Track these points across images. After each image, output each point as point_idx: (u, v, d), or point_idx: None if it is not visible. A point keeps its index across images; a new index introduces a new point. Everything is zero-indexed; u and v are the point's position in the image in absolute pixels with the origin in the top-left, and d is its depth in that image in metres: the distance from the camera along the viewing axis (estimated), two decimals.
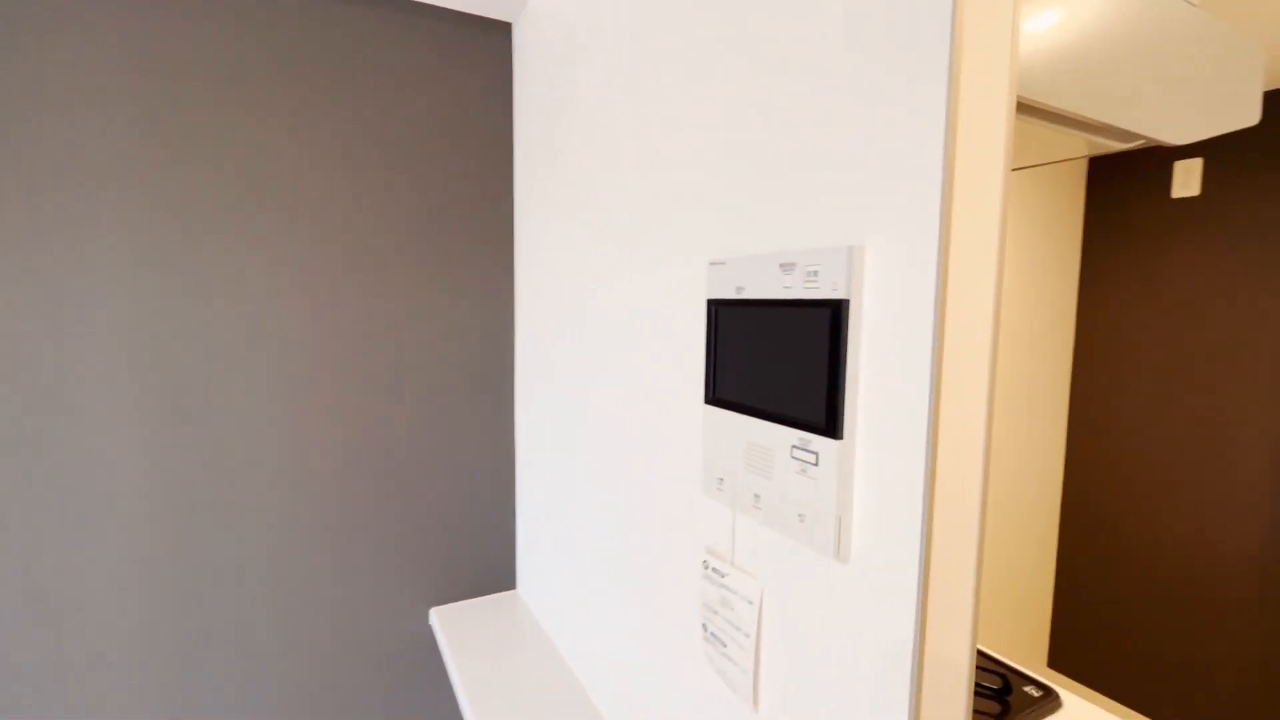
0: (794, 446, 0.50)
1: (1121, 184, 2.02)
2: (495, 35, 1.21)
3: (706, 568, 0.64)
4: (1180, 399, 1.89)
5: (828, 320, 0.46)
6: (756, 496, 0.54)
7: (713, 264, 0.59)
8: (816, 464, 0.48)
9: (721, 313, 0.58)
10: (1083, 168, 2.09)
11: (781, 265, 0.51)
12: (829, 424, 0.46)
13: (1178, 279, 1.90)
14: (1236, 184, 1.78)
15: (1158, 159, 1.94)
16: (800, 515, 0.50)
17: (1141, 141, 0.73)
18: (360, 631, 1.18)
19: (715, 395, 0.60)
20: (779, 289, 0.51)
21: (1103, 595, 2.07)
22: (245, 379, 1.06)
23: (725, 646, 0.61)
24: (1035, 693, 0.97)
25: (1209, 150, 1.83)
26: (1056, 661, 2.19)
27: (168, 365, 1.00)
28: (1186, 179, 1.91)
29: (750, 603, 0.58)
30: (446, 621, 1.21)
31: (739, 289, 0.56)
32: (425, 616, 1.24)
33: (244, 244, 1.04)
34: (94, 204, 0.94)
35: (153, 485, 1.01)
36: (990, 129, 0.43)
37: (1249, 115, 0.75)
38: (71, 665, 0.98)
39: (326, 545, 1.14)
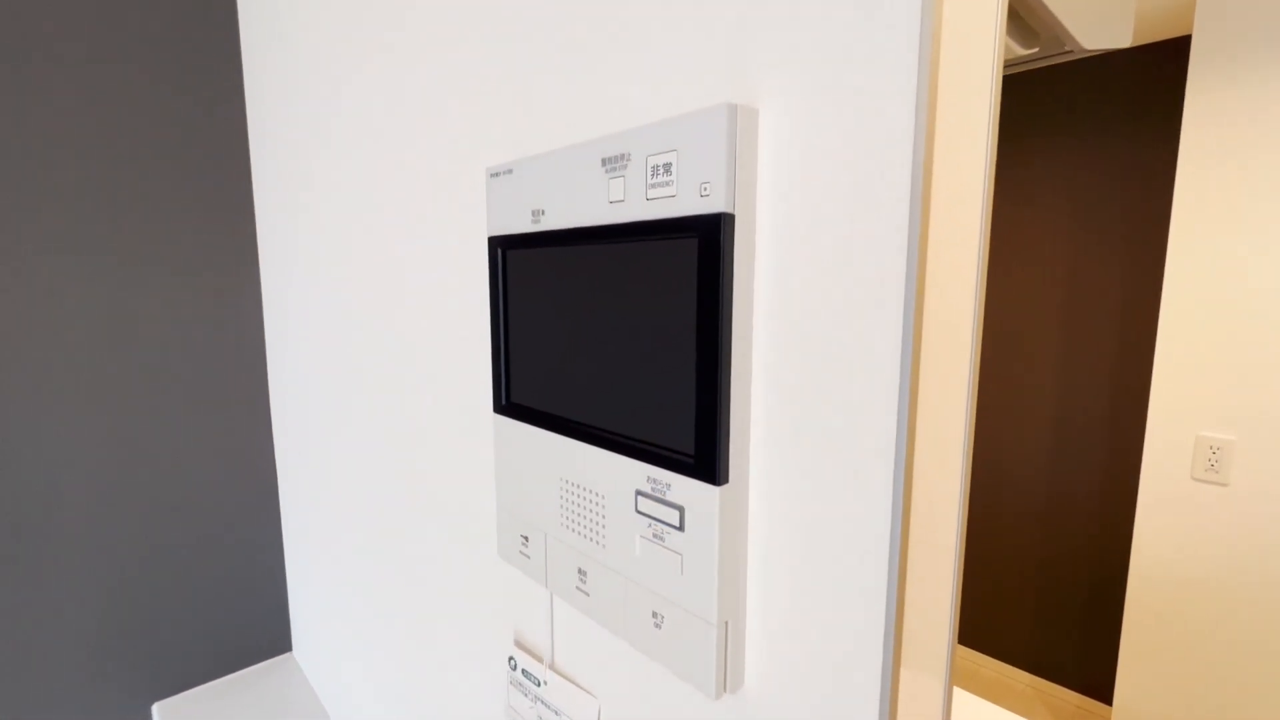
0: (641, 494, 0.28)
1: None
2: None
3: (514, 668, 0.41)
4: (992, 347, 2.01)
5: (694, 257, 0.24)
6: (581, 574, 0.32)
7: (493, 174, 0.34)
8: (680, 527, 0.26)
9: (511, 260, 0.34)
10: None
11: (605, 161, 0.27)
12: (702, 456, 0.25)
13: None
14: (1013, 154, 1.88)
15: None
16: (655, 614, 0.28)
17: (1036, 51, 0.60)
18: None
19: (509, 400, 0.36)
20: (602, 206, 0.28)
21: None
22: None
23: None
24: None
25: None
26: None
27: None
28: None
29: None
30: (178, 716, 0.86)
31: (537, 214, 0.32)
32: (146, 714, 0.88)
33: None
34: None
35: None
36: None
37: (1125, 36, 0.67)
38: None
39: None
